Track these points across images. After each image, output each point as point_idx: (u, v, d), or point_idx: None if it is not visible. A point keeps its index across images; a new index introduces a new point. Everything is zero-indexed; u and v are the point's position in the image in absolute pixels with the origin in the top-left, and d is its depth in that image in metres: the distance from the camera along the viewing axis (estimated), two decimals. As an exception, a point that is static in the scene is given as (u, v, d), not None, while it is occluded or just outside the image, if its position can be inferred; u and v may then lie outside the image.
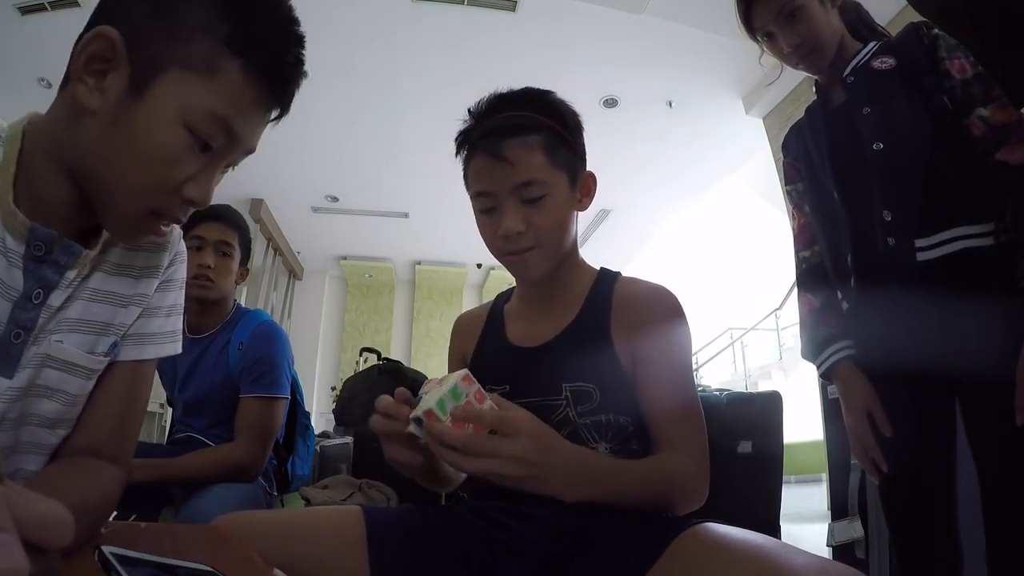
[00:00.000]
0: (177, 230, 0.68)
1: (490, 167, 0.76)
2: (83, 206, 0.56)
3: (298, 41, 0.56)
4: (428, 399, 0.61)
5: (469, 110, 0.81)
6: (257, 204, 5.41)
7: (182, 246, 0.70)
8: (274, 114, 0.59)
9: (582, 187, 0.83)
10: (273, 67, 0.54)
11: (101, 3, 0.54)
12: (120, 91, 0.51)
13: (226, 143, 0.55)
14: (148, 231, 0.57)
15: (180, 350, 0.70)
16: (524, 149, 0.75)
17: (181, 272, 0.69)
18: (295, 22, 0.56)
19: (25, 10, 3.11)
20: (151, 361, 0.66)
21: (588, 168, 0.85)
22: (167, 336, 0.67)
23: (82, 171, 0.54)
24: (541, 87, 0.83)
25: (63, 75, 0.54)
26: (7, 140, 0.55)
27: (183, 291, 0.71)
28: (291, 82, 0.57)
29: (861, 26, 1.09)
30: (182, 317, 0.71)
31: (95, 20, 0.52)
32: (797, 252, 1.17)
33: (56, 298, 0.57)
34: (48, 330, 0.57)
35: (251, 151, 0.59)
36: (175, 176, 0.53)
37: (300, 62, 0.57)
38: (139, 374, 0.65)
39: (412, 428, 0.62)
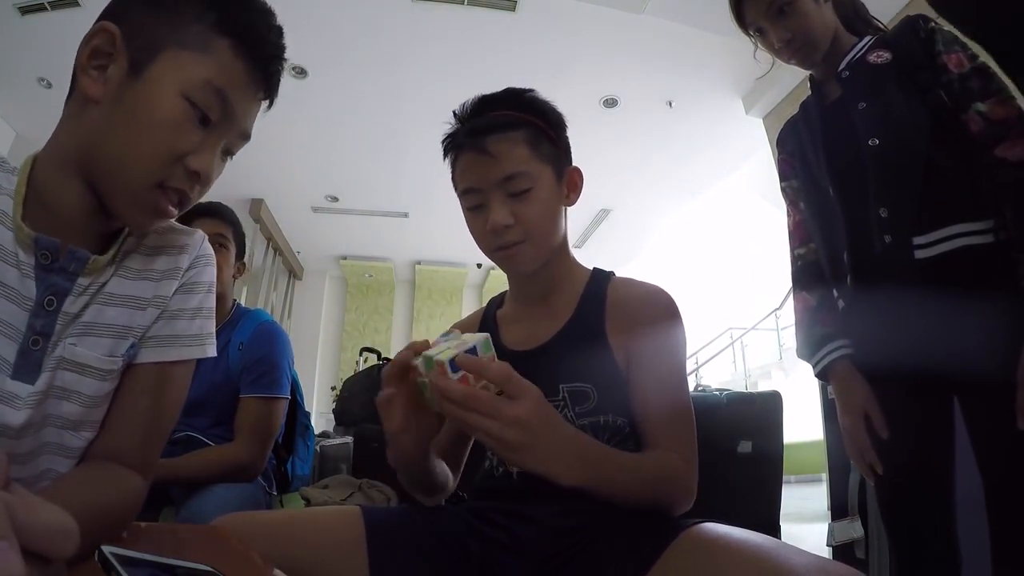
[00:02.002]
0: (199, 233, 0.69)
1: (475, 163, 0.77)
2: (98, 211, 0.59)
3: (278, 31, 0.62)
4: (443, 349, 0.59)
5: (454, 112, 0.82)
6: (257, 204, 5.42)
7: (206, 250, 0.69)
8: (261, 96, 0.63)
9: (568, 182, 0.84)
10: (258, 47, 0.59)
11: (106, 6, 0.58)
12: (120, 77, 0.55)
13: (223, 116, 0.58)
14: (157, 209, 0.58)
15: (213, 353, 0.68)
16: (507, 143, 0.76)
17: (206, 275, 0.69)
18: (272, 15, 0.62)
19: (25, 10, 3.11)
20: (178, 365, 0.65)
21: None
22: (193, 339, 0.66)
23: (89, 159, 0.57)
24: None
25: (70, 83, 0.58)
26: (20, 168, 0.59)
27: (211, 294, 0.69)
28: (275, 62, 0.62)
29: (857, 20, 1.08)
30: (213, 320, 0.69)
31: (99, 20, 0.57)
32: (792, 250, 1.16)
33: (71, 304, 0.58)
34: (65, 336, 0.58)
35: (246, 135, 0.63)
36: (178, 145, 0.56)
37: (281, 48, 0.62)
38: (164, 378, 0.64)
39: (419, 364, 0.60)
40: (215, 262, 0.71)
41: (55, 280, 0.57)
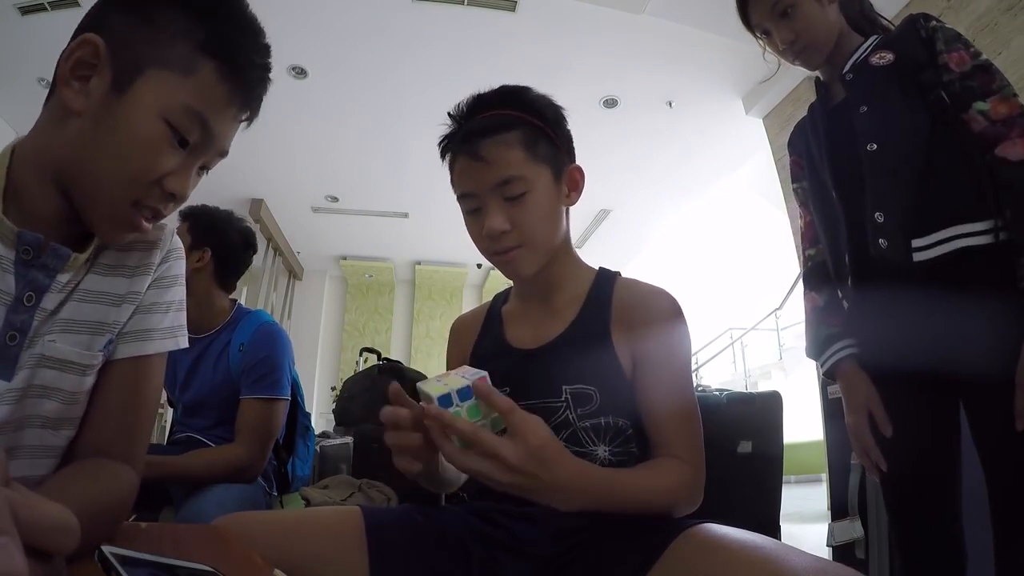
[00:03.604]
0: (170, 227, 0.70)
1: (470, 168, 0.76)
2: (71, 215, 0.59)
3: (266, 50, 0.61)
4: (449, 382, 0.60)
5: (449, 114, 0.81)
6: (257, 204, 5.41)
7: (176, 243, 0.70)
8: (243, 116, 0.62)
9: (568, 181, 0.82)
10: (244, 69, 0.59)
11: (88, 13, 0.58)
12: (103, 92, 0.54)
13: (201, 139, 0.58)
14: (132, 225, 0.58)
15: (185, 344, 0.70)
16: (502, 147, 0.75)
17: (176, 268, 0.70)
18: (262, 34, 0.61)
19: (25, 10, 3.11)
20: (154, 358, 0.66)
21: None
22: (167, 331, 0.67)
23: (67, 171, 0.56)
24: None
25: (50, 86, 0.58)
26: None
27: (183, 287, 0.71)
28: (259, 84, 0.62)
29: (863, 20, 1.08)
30: (184, 312, 0.71)
31: (81, 28, 0.56)
32: (803, 250, 1.17)
33: (49, 301, 0.58)
34: (43, 332, 0.58)
35: (224, 153, 0.63)
36: (156, 167, 0.56)
37: (267, 68, 0.62)
38: (142, 372, 0.65)
39: (425, 403, 0.60)
40: (185, 255, 0.72)
41: (35, 276, 0.57)
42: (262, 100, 0.63)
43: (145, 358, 0.65)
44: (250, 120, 0.64)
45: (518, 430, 0.58)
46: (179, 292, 0.70)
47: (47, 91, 0.58)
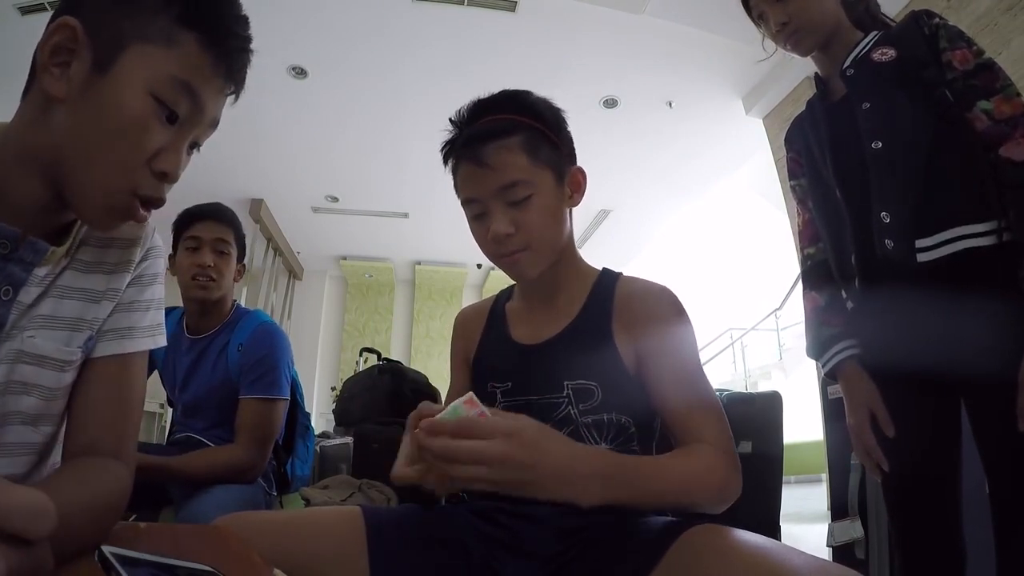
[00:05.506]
0: (150, 225, 0.69)
1: (474, 174, 0.76)
2: (53, 206, 0.58)
3: (245, 22, 0.61)
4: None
5: (451, 119, 0.81)
6: (257, 204, 5.41)
7: (157, 241, 0.70)
8: (229, 90, 0.61)
9: (571, 183, 0.83)
10: (224, 39, 0.58)
11: (63, 0, 0.57)
12: (84, 74, 0.53)
13: (191, 111, 0.57)
14: (127, 213, 0.58)
15: (164, 343, 0.70)
16: (504, 152, 0.75)
17: (156, 267, 0.70)
18: (239, 5, 0.60)
19: (25, 10, 3.11)
20: (137, 355, 0.66)
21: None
22: (147, 330, 0.67)
23: (56, 162, 0.55)
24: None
25: (27, 79, 0.58)
26: None
27: (162, 285, 0.71)
28: (241, 55, 0.60)
29: (865, 16, 1.08)
30: (163, 311, 0.71)
31: (57, 14, 0.55)
32: (802, 249, 1.16)
33: (27, 295, 0.58)
34: (21, 327, 0.58)
35: (215, 124, 0.62)
36: (146, 146, 0.55)
37: (248, 39, 0.61)
38: (126, 369, 0.65)
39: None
40: (165, 253, 0.72)
41: (12, 270, 0.56)
42: (246, 73, 0.62)
43: (128, 355, 0.65)
44: (236, 95, 0.63)
45: (483, 431, 0.55)
46: (158, 291, 0.70)
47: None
